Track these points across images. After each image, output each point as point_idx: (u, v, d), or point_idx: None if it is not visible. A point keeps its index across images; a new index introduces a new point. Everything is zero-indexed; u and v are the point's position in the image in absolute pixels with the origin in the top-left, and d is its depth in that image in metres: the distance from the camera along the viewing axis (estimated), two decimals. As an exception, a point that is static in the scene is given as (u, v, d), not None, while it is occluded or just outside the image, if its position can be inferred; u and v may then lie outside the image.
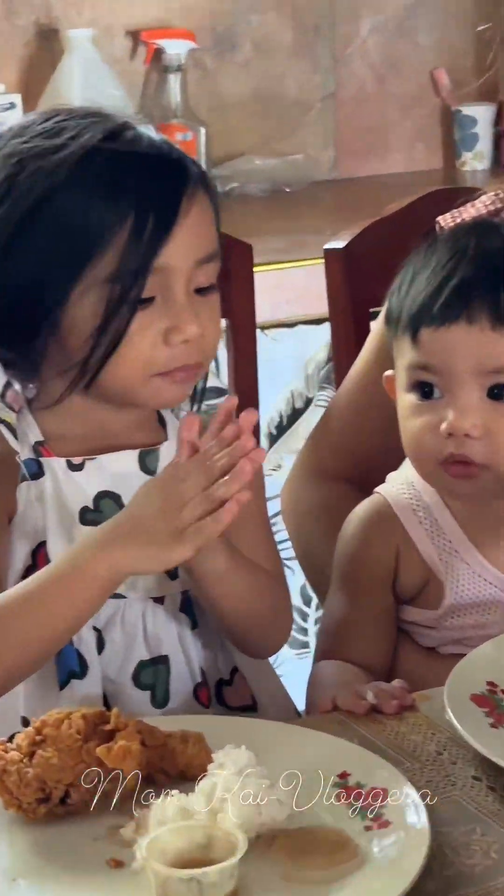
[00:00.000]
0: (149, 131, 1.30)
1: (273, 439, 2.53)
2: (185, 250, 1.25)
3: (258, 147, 2.94)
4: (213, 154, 2.82)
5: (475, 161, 3.19)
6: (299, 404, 2.56)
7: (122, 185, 1.25)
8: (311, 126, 3.03)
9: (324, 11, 3.01)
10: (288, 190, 2.81)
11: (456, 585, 1.39)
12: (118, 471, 1.31)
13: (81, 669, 1.32)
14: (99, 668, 1.32)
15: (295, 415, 2.60)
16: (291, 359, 2.19)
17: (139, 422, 1.34)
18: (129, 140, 1.29)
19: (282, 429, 2.58)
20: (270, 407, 1.68)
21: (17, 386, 1.32)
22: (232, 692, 1.39)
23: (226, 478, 1.17)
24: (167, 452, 1.33)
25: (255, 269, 1.96)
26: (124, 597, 1.31)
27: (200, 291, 1.27)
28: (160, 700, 1.33)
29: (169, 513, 1.17)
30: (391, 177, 2.63)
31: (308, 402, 2.59)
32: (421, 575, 1.41)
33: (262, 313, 2.04)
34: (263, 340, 2.14)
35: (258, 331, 2.00)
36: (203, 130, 2.72)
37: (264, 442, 2.06)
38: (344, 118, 3.09)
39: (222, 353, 1.60)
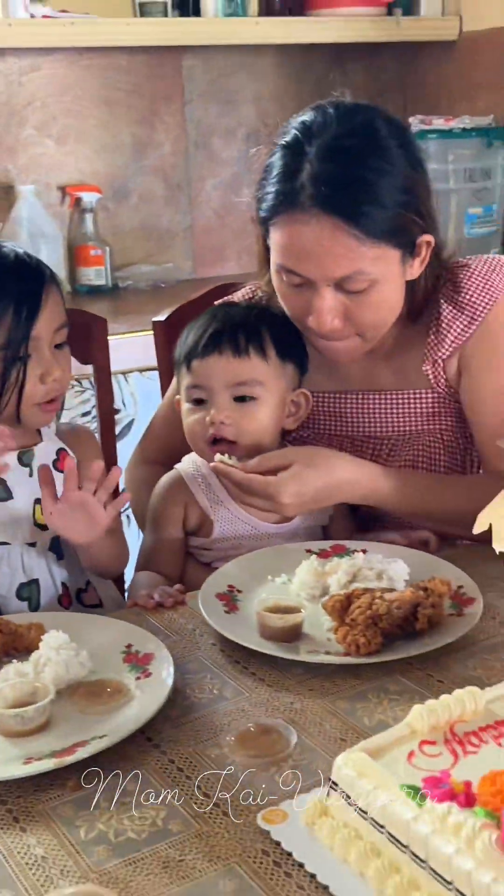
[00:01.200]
0: (14, 247, 1.37)
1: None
2: (47, 323, 1.31)
3: (144, 259, 2.95)
4: (115, 263, 2.86)
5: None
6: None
7: (2, 286, 1.30)
8: (178, 246, 3.05)
9: (183, 174, 2.97)
10: (163, 286, 2.87)
11: (221, 523, 1.44)
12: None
13: None
14: None
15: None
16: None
17: (21, 431, 1.36)
18: (2, 254, 1.34)
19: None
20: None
21: None
22: (87, 596, 1.45)
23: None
24: (40, 451, 1.40)
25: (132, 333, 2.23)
26: (9, 543, 1.36)
27: (58, 347, 1.34)
28: (34, 606, 1.36)
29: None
30: (227, 277, 2.65)
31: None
32: (200, 517, 1.46)
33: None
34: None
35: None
36: (108, 249, 2.79)
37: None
38: (198, 241, 3.08)
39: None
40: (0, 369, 1.28)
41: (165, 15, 2.73)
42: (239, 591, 1.24)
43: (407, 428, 1.47)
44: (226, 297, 1.60)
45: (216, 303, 1.56)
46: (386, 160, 1.32)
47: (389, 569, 1.20)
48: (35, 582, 1.37)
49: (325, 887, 0.76)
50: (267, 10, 2.82)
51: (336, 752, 0.83)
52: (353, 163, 1.33)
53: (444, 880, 0.71)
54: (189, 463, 1.49)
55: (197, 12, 2.75)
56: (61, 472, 1.33)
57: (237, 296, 1.59)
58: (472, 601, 1.17)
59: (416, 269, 1.39)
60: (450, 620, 1.13)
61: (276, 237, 1.38)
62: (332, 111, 1.36)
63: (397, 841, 0.74)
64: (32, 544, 1.37)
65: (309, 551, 1.36)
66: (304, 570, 1.27)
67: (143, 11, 2.73)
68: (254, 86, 2.99)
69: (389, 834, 0.75)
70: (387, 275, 1.34)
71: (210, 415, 1.37)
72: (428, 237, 1.38)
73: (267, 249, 1.44)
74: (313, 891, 0.76)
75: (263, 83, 3.00)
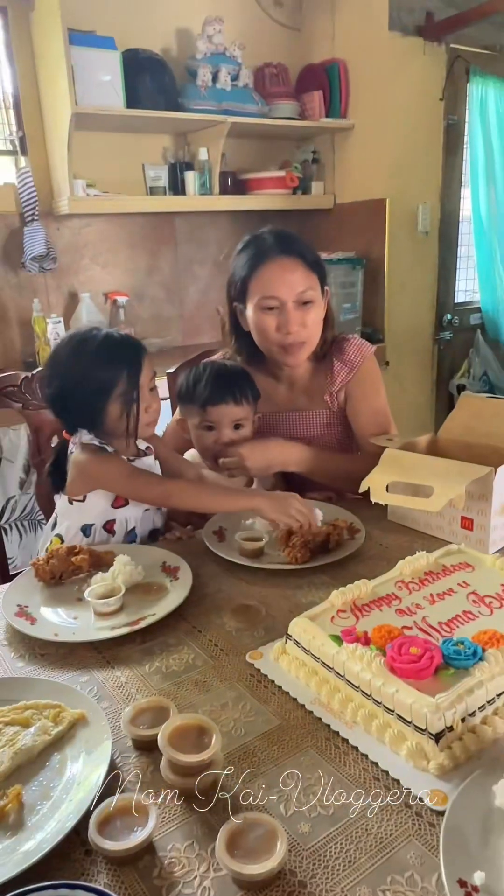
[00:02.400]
0: (110, 329, 1.19)
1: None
2: (145, 379, 1.17)
3: (154, 335, 2.84)
4: (137, 338, 2.65)
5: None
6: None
7: (118, 356, 1.15)
8: (173, 327, 2.97)
9: (175, 285, 2.93)
10: (165, 350, 2.76)
11: None
12: None
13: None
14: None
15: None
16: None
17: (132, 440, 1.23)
18: (110, 335, 1.17)
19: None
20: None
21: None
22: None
23: None
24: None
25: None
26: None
27: (152, 389, 1.19)
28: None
29: None
30: (204, 345, 2.63)
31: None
32: None
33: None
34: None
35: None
36: (132, 329, 2.57)
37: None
38: (185, 324, 3.00)
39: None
40: (123, 407, 1.14)
41: (165, 194, 2.68)
42: (225, 529, 1.20)
43: (315, 432, 1.43)
44: (208, 359, 1.47)
45: (205, 361, 1.43)
46: (303, 241, 1.36)
47: (315, 514, 1.15)
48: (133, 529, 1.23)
49: (287, 693, 0.78)
50: (223, 191, 2.78)
51: (289, 619, 0.83)
52: (291, 235, 1.35)
53: (354, 686, 0.74)
54: (191, 455, 1.40)
55: (183, 192, 2.70)
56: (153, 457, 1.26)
57: (216, 356, 1.51)
58: (358, 531, 1.15)
59: (324, 308, 1.36)
60: (348, 542, 1.12)
61: (256, 284, 1.32)
62: (266, 228, 1.38)
63: (327, 666, 0.77)
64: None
65: None
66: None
67: (152, 191, 2.69)
68: (216, 234, 2.95)
69: (323, 662, 0.78)
70: (316, 300, 1.32)
71: (220, 438, 1.31)
72: (328, 288, 1.37)
73: (234, 322, 1.41)
74: (278, 693, 0.78)
75: (222, 233, 2.96)
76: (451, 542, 1.05)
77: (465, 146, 3.05)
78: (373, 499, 1.13)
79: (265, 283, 1.31)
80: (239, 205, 2.82)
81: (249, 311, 1.35)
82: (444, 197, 3.04)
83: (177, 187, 2.74)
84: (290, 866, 0.57)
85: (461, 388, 3.20)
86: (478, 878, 0.53)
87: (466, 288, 3.30)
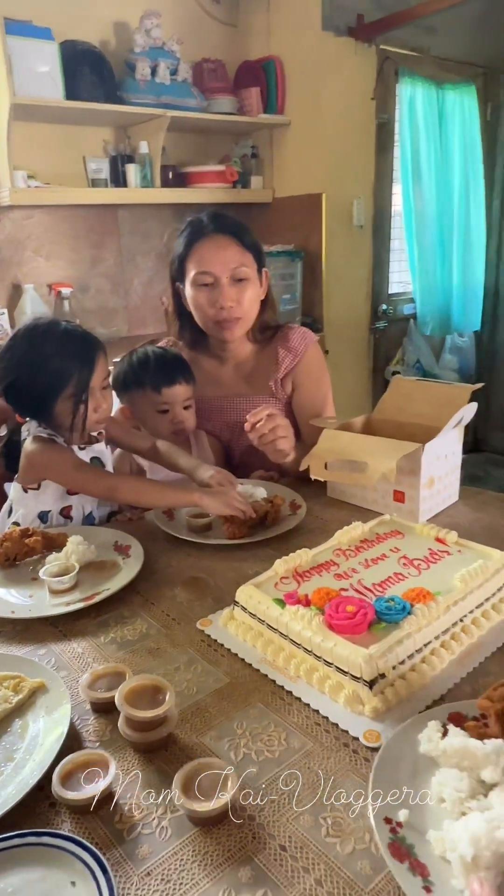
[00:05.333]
0: (71, 324, 1.17)
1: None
2: (98, 379, 1.15)
3: (99, 325, 2.84)
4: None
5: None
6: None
7: (72, 354, 1.12)
8: (119, 318, 2.96)
9: (120, 276, 2.91)
10: (111, 341, 2.59)
11: (153, 473, 1.39)
12: None
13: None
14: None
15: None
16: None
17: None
18: (68, 331, 1.15)
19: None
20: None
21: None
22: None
23: None
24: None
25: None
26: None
27: (104, 388, 1.18)
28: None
29: None
30: (149, 334, 2.62)
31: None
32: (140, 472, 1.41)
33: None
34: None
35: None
36: (77, 321, 2.43)
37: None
38: (130, 314, 2.99)
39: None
40: (71, 407, 1.13)
41: (106, 186, 2.65)
42: (174, 509, 1.22)
43: None
44: (154, 345, 1.47)
45: (138, 348, 1.44)
46: (241, 223, 1.38)
47: (256, 491, 1.20)
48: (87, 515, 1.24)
49: (235, 654, 0.82)
50: (164, 183, 2.77)
51: (235, 589, 0.87)
52: (227, 217, 1.37)
53: (297, 644, 0.78)
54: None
55: (125, 184, 2.67)
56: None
57: (161, 342, 1.51)
58: (299, 506, 1.20)
59: (262, 290, 1.39)
60: (289, 517, 1.17)
61: (192, 260, 1.34)
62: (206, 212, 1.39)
63: (271, 627, 0.81)
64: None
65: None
66: None
67: (93, 183, 2.65)
68: (159, 227, 2.95)
69: (268, 624, 0.82)
70: (251, 277, 1.35)
71: (174, 418, 1.35)
72: (266, 271, 1.40)
73: (178, 303, 1.42)
74: (227, 655, 0.82)
75: (164, 225, 2.95)
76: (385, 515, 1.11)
77: (395, 144, 3.14)
78: (312, 476, 1.18)
79: (200, 258, 1.33)
80: (181, 198, 2.81)
81: (188, 288, 1.37)
82: (376, 192, 3.12)
83: (118, 180, 2.72)
84: (240, 803, 0.62)
85: (396, 375, 3.31)
86: (402, 815, 0.57)
87: (399, 279, 3.40)
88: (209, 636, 0.87)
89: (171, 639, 0.87)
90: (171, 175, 2.83)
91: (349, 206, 3.04)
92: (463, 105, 3.26)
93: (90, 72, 2.48)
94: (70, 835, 0.56)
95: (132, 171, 2.68)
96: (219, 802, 0.59)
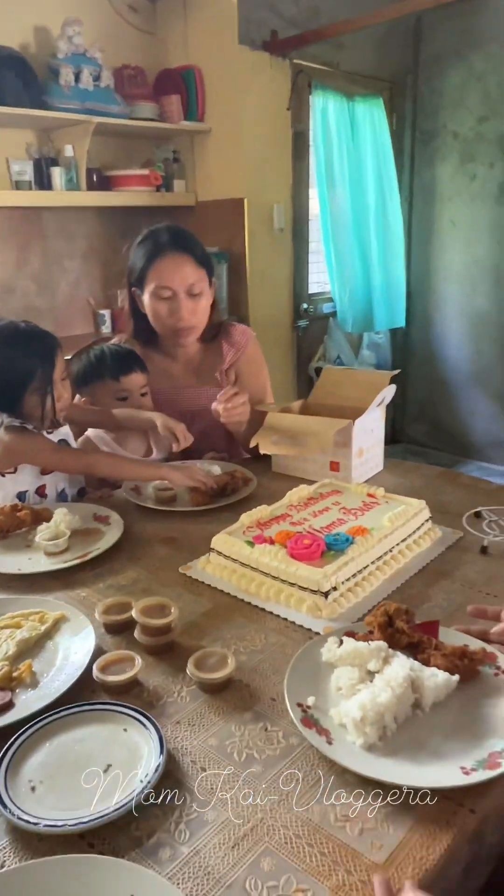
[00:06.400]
0: (27, 324, 1.38)
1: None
2: (58, 373, 1.35)
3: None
4: None
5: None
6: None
7: (34, 350, 1.33)
8: (45, 319, 3.08)
9: (46, 279, 3.02)
10: None
11: None
12: None
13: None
14: None
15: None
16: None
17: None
18: (27, 330, 1.36)
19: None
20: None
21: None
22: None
23: None
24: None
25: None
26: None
27: (63, 380, 1.38)
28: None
29: None
30: (78, 336, 2.74)
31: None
32: None
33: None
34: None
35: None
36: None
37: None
38: (56, 315, 3.10)
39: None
40: (38, 399, 1.32)
41: (30, 188, 2.77)
42: (140, 486, 1.44)
43: (206, 405, 1.59)
44: (107, 343, 1.67)
45: (93, 344, 1.67)
46: (195, 238, 1.60)
47: (212, 468, 1.47)
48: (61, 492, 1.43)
49: (215, 588, 1.07)
50: (90, 187, 2.92)
51: (206, 545, 1.12)
52: (185, 234, 1.59)
53: (265, 573, 1.05)
54: (93, 431, 1.59)
55: (50, 187, 2.81)
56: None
57: (113, 340, 1.71)
58: (251, 479, 1.45)
59: (211, 298, 1.61)
60: (243, 488, 1.42)
61: (153, 275, 1.53)
62: (162, 224, 1.61)
63: (243, 564, 1.07)
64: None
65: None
66: None
67: (17, 186, 2.77)
68: (83, 229, 3.10)
69: (240, 562, 1.08)
70: (204, 291, 1.57)
71: (132, 405, 1.54)
72: (214, 280, 1.63)
73: (133, 305, 1.62)
74: (208, 589, 1.07)
75: (89, 227, 3.11)
76: (323, 480, 1.39)
77: (310, 152, 3.49)
78: (261, 451, 1.45)
79: (160, 274, 1.55)
80: (106, 201, 3.00)
81: (146, 297, 1.59)
82: (294, 197, 3.45)
83: (42, 182, 2.87)
84: (236, 678, 0.87)
85: (318, 371, 3.65)
86: (310, 700, 0.80)
87: (319, 280, 3.75)
88: (191, 577, 1.11)
89: (160, 581, 1.11)
90: (95, 178, 3.02)
91: (270, 211, 3.35)
92: (372, 116, 3.66)
93: (14, 75, 2.64)
94: (115, 701, 0.80)
95: (57, 173, 2.85)
96: (224, 672, 0.84)
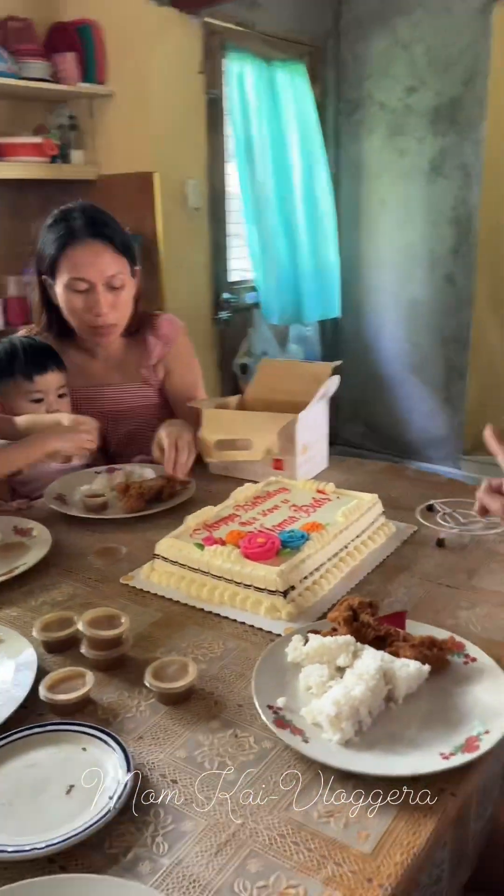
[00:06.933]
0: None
1: None
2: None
3: None
4: None
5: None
6: None
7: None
8: None
9: None
10: None
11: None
12: None
13: None
14: None
15: None
16: None
17: None
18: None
19: None
20: None
21: None
22: None
23: None
24: None
25: None
26: None
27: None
28: None
29: None
30: None
31: None
32: None
33: None
34: None
35: None
36: None
37: None
38: None
39: None
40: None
41: None
42: (64, 495, 1.49)
43: (132, 404, 1.73)
44: (18, 334, 1.72)
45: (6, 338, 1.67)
46: (114, 221, 1.63)
47: (144, 472, 1.54)
48: None
49: (163, 597, 1.13)
50: None
51: (146, 553, 1.19)
52: (102, 216, 1.61)
53: (217, 576, 1.12)
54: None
55: None
56: None
57: (21, 332, 1.74)
58: (189, 482, 1.51)
59: (134, 288, 1.65)
60: (181, 492, 1.48)
61: (66, 264, 1.54)
62: (76, 203, 1.62)
63: (193, 568, 1.14)
64: None
65: (97, 472, 1.59)
66: (101, 479, 1.55)
67: None
68: None
69: (189, 567, 1.15)
70: (126, 283, 1.60)
71: (49, 408, 1.58)
72: (138, 269, 1.67)
73: (44, 296, 1.64)
74: (155, 598, 1.12)
75: None
76: (268, 479, 1.47)
77: (227, 122, 3.59)
78: (206, 459, 1.51)
79: (74, 264, 1.56)
80: (-5, 172, 3.00)
81: (59, 288, 1.61)
82: (210, 172, 3.54)
83: None
84: (198, 686, 0.93)
85: (244, 368, 3.75)
86: (280, 702, 0.88)
87: (241, 266, 3.86)
88: (135, 588, 1.17)
89: (100, 594, 1.16)
90: (-22, 146, 3.00)
91: (183, 187, 3.42)
92: (294, 83, 3.82)
93: None
94: (69, 720, 0.85)
95: None
96: (186, 680, 0.90)
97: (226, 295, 3.71)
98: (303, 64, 3.87)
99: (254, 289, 3.86)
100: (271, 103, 3.73)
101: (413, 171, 3.94)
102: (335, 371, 1.63)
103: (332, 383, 1.62)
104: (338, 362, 1.68)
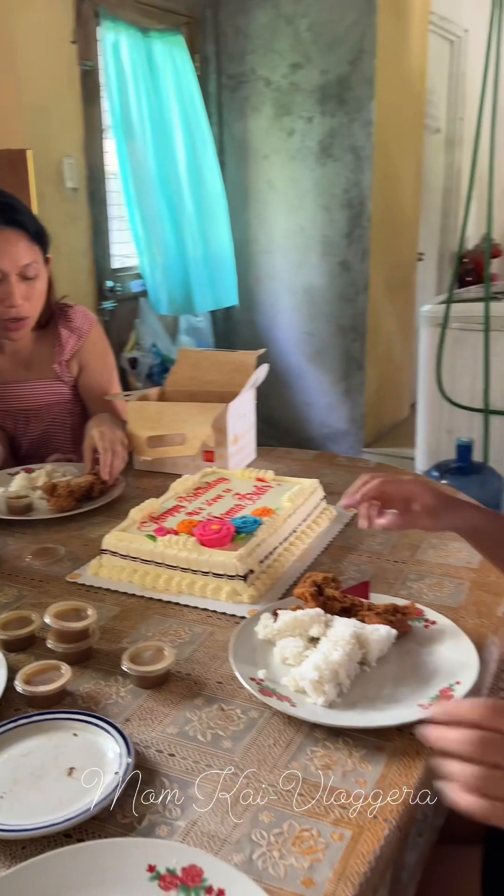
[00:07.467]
0: None
1: None
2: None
3: None
4: None
5: None
6: None
7: None
8: None
9: None
10: None
11: None
12: None
13: None
14: None
15: None
16: None
17: None
18: None
19: None
20: None
21: None
22: None
23: None
24: None
25: None
26: None
27: None
28: None
29: None
30: None
31: None
32: None
33: None
34: None
35: None
36: None
37: None
38: None
39: None
40: None
41: None
42: None
43: (44, 402, 1.79)
44: None
45: None
46: (26, 207, 1.70)
47: (65, 470, 1.61)
48: None
49: (116, 591, 1.22)
50: None
51: (87, 552, 1.30)
52: (14, 202, 1.67)
53: (173, 566, 1.23)
54: None
55: None
56: None
57: None
58: (119, 479, 1.60)
59: (47, 276, 1.72)
60: (111, 489, 1.57)
61: None
62: None
63: (145, 560, 1.24)
64: None
65: (11, 473, 1.65)
66: (19, 480, 1.59)
67: None
68: None
69: (141, 560, 1.25)
70: (40, 273, 1.67)
71: None
72: (49, 256, 1.74)
73: None
74: (108, 594, 1.21)
75: None
76: (201, 471, 1.59)
77: (103, 95, 3.67)
78: (140, 457, 1.60)
79: None
80: None
81: None
82: (87, 149, 3.60)
83: None
84: (174, 670, 1.04)
85: (133, 363, 3.83)
86: (261, 674, 1.01)
87: (124, 252, 3.93)
88: (84, 584, 1.25)
89: (49, 594, 1.23)
90: None
91: (59, 166, 3.47)
92: (173, 55, 3.94)
93: None
94: (53, 709, 0.93)
95: None
96: (165, 663, 1.00)
97: (109, 283, 3.77)
98: (181, 35, 4.01)
99: (139, 276, 3.95)
100: (149, 76, 3.83)
101: (302, 152, 4.17)
102: (261, 359, 1.77)
103: (261, 372, 1.76)
104: (261, 350, 1.82)
